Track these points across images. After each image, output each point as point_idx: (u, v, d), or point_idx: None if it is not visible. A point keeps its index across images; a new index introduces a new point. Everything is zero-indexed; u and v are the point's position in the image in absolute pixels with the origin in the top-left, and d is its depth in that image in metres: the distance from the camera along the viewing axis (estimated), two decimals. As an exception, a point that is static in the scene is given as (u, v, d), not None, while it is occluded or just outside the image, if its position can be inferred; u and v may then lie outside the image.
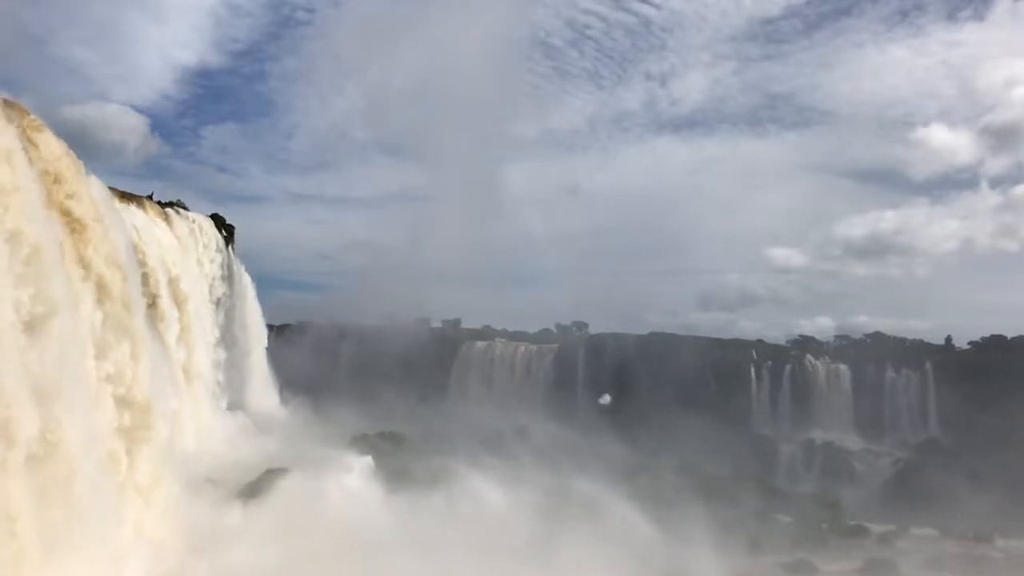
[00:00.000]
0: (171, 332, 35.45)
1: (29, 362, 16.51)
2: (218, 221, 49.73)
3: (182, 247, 41.09)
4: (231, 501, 30.14)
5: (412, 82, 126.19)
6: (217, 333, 45.62)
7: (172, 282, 36.97)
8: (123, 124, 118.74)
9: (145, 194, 39.90)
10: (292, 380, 59.31)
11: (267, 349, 56.61)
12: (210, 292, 45.73)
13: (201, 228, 45.73)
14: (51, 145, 21.08)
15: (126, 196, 35.15)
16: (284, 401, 56.36)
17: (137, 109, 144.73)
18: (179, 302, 37.53)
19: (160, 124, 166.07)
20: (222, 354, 45.69)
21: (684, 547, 36.99)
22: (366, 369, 73.69)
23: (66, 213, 21.19)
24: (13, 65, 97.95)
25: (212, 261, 46.49)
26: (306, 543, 26.20)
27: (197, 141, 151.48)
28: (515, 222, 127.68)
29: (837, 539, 48.77)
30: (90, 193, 22.90)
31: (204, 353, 41.12)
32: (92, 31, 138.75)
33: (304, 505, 30.46)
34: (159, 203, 41.60)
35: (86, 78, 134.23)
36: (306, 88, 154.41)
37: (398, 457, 43.43)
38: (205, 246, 45.56)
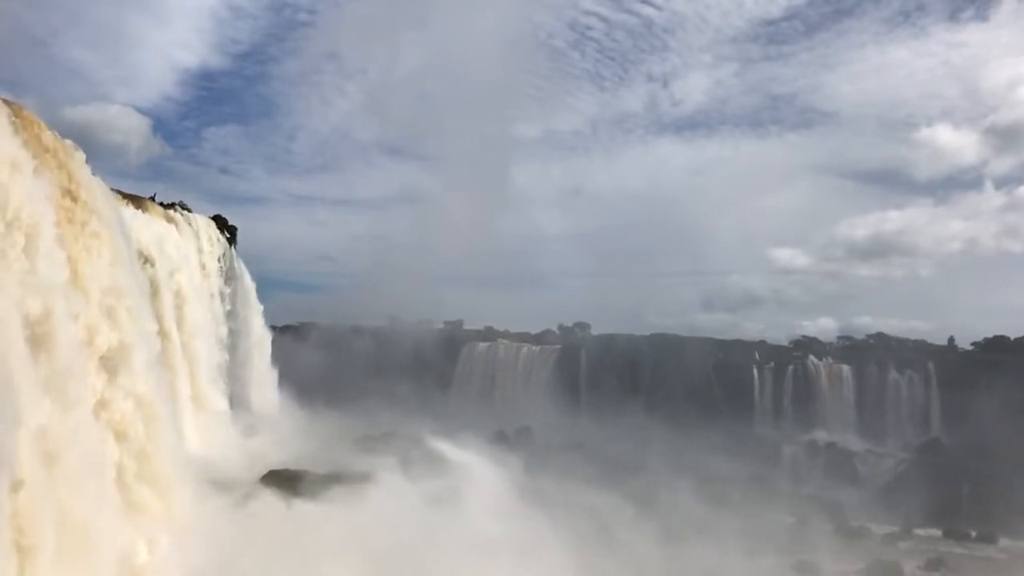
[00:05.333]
0: (174, 333, 35.48)
1: None
2: (220, 222, 49.79)
3: (184, 248, 41.13)
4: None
5: (413, 83, 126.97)
6: (220, 334, 45.65)
7: (175, 283, 37.02)
8: (125, 125, 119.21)
9: (147, 195, 40.01)
10: (294, 381, 59.32)
11: (269, 350, 56.65)
12: (212, 293, 45.75)
13: (203, 229, 45.78)
14: (103, 275, 20.05)
15: (129, 198, 35.22)
16: (286, 402, 56.33)
17: (139, 110, 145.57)
18: (182, 303, 37.64)
19: (162, 125, 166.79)
20: (224, 354, 45.70)
21: (686, 548, 37.01)
22: (368, 370, 73.74)
23: (105, 406, 20.01)
24: (15, 67, 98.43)
25: (214, 262, 46.52)
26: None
27: (199, 143, 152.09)
28: (517, 223, 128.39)
29: (840, 540, 48.74)
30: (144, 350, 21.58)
31: (207, 353, 41.15)
32: (94, 33, 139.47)
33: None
34: (162, 204, 41.65)
35: (88, 80, 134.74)
36: (308, 89, 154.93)
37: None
38: (208, 247, 45.58)
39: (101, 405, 19.91)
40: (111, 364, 20.32)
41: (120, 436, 20.73)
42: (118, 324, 20.53)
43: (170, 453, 22.98)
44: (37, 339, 15.70)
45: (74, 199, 19.65)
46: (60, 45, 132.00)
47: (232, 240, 51.03)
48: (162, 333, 31.47)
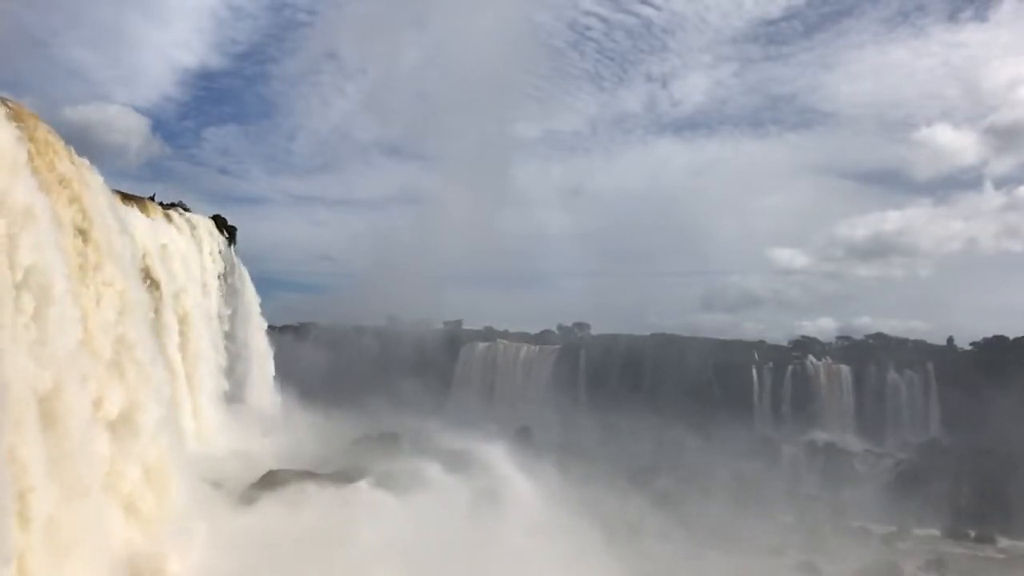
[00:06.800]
0: (177, 363, 35.17)
1: None
2: (220, 222, 49.68)
3: (184, 249, 41.00)
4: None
5: (413, 83, 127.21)
6: (219, 335, 45.48)
7: (180, 306, 36.75)
8: (125, 125, 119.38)
9: (147, 196, 39.93)
10: (293, 382, 59.23)
11: (270, 351, 56.49)
12: (212, 294, 45.58)
13: (203, 230, 45.67)
14: (113, 327, 19.40)
15: (128, 198, 35.16)
16: (285, 402, 56.20)
17: (139, 110, 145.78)
18: (181, 304, 37.48)
19: (162, 126, 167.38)
20: (224, 356, 45.52)
21: (686, 547, 37.03)
22: (368, 370, 73.67)
23: (114, 475, 19.08)
24: (15, 67, 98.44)
25: (214, 262, 46.38)
26: None
27: (199, 143, 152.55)
28: (517, 223, 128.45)
29: (839, 540, 48.70)
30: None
31: (207, 354, 41.02)
32: (94, 33, 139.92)
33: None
34: (161, 204, 41.59)
35: (88, 80, 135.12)
36: (308, 90, 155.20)
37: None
38: (210, 264, 45.40)
39: (110, 476, 18.65)
40: (120, 430, 19.00)
41: (129, 509, 19.58)
42: (127, 381, 19.29)
43: (181, 520, 21.62)
44: (46, 416, 14.64)
45: (86, 239, 18.43)
46: (60, 45, 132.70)
47: (232, 240, 50.91)
48: (165, 362, 30.88)
